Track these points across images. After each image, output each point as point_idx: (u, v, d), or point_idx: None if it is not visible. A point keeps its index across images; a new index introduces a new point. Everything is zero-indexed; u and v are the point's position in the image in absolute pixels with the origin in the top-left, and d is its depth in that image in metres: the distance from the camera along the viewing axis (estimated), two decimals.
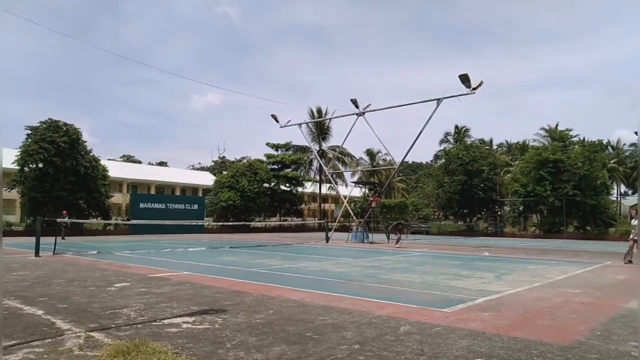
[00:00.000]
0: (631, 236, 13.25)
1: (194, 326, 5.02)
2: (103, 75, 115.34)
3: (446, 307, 6.31)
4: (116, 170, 47.75)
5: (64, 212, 26.54)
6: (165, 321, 5.24)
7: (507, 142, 67.35)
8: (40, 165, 29.31)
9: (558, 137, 40.81)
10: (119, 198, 48.33)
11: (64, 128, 30.42)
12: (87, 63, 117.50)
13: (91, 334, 4.63)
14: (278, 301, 6.60)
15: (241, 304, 6.39)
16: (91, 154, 32.34)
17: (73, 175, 29.83)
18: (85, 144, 31.97)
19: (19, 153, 29.49)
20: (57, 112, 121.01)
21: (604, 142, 55.98)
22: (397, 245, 20.10)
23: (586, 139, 44.97)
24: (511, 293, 7.69)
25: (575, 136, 43.59)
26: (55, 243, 14.75)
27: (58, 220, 22.88)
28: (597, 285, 8.96)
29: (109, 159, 58.80)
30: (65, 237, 24.21)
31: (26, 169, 29.54)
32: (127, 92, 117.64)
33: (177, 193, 60.22)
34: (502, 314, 5.92)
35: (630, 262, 12.72)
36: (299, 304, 6.44)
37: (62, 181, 29.29)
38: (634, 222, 13.42)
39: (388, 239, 25.37)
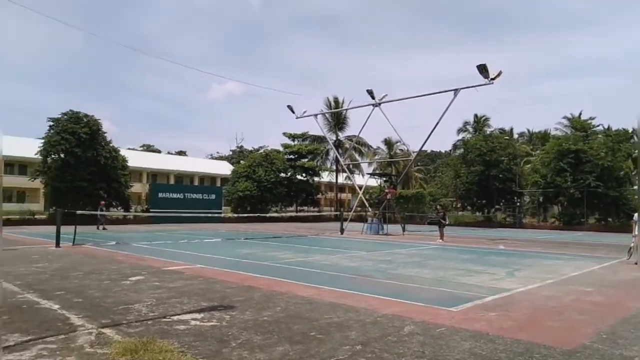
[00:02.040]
0: (637, 232, 12.10)
1: (202, 323, 5.15)
2: (123, 66, 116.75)
3: (453, 305, 6.32)
4: (136, 159, 48.59)
5: (102, 202, 27.41)
6: (175, 318, 5.38)
7: (528, 130, 66.12)
8: (62, 155, 30.03)
9: (580, 126, 39.89)
10: (139, 188, 49.20)
11: (85, 119, 31.06)
12: (107, 54, 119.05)
13: (102, 330, 4.80)
14: (287, 297, 6.70)
15: (250, 300, 6.50)
16: (111, 144, 32.97)
17: (93, 166, 30.49)
18: (105, 134, 32.63)
19: (42, 144, 30.25)
20: (79, 102, 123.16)
21: (629, 131, 54.54)
22: (443, 241, 19.09)
23: (611, 128, 43.89)
24: (521, 291, 7.64)
25: (597, 125, 42.57)
26: (75, 233, 15.14)
27: (99, 213, 23.96)
28: (611, 283, 8.83)
29: (128, 149, 59.84)
30: (106, 227, 24.71)
31: (49, 159, 30.30)
32: (147, 82, 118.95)
33: (196, 182, 60.98)
34: (509, 314, 5.91)
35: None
36: (307, 300, 6.52)
37: (83, 171, 29.97)
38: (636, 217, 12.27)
39: (403, 230, 25.32)
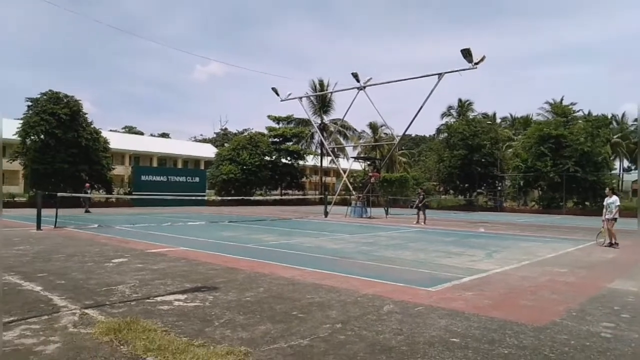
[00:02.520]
0: (607, 216, 12.39)
1: (185, 304, 5.23)
2: (105, 46, 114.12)
3: (432, 285, 6.50)
4: (118, 141, 47.87)
5: (87, 184, 27.31)
6: (158, 298, 5.45)
7: (511, 115, 66.86)
8: (42, 137, 29.42)
9: (561, 112, 40.46)
10: (121, 170, 48.62)
11: (65, 100, 30.38)
12: (89, 34, 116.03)
13: (86, 311, 4.84)
14: (270, 278, 6.81)
15: (233, 281, 6.59)
16: (92, 125, 32.37)
17: (74, 147, 29.95)
18: (87, 115, 32.00)
19: (20, 124, 29.58)
20: (59, 83, 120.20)
21: (609, 116, 55.46)
22: (425, 224, 19.58)
23: (592, 113, 44.65)
24: (498, 272, 7.88)
25: (578, 111, 43.26)
26: (56, 216, 14.99)
27: (82, 195, 24.02)
28: (584, 264, 9.14)
29: (110, 130, 58.90)
30: (89, 210, 24.54)
31: (28, 140, 29.68)
32: (129, 63, 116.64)
33: (179, 165, 60.46)
34: (485, 294, 6.11)
35: (611, 244, 12.12)
36: (289, 281, 6.64)
37: (64, 153, 29.44)
38: (609, 200, 12.54)
39: (387, 213, 25.60)
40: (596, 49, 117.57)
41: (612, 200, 12.51)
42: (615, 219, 12.32)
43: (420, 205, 20.78)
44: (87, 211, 24.35)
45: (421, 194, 21.79)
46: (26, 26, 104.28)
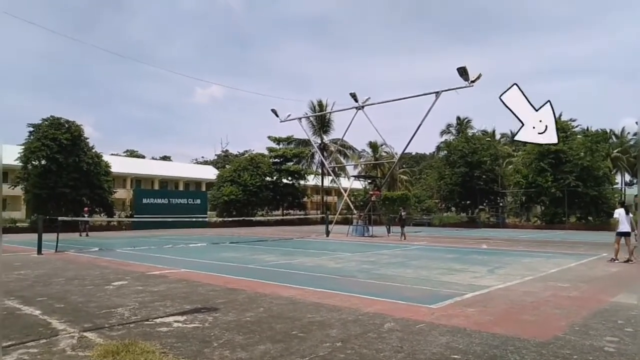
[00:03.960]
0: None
1: (184, 325, 5.19)
2: (106, 70, 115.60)
3: (434, 303, 6.45)
4: (119, 165, 48.11)
5: (85, 209, 27.45)
6: (157, 320, 5.41)
7: (511, 132, 66.99)
8: (43, 162, 29.60)
9: (560, 127, 40.57)
10: (123, 193, 48.69)
11: (66, 125, 30.67)
12: (90, 58, 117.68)
13: (84, 334, 4.81)
14: (270, 298, 6.76)
15: (234, 301, 6.55)
16: (93, 150, 32.60)
17: (76, 172, 30.10)
18: (88, 140, 32.25)
19: (21, 150, 29.79)
20: (61, 108, 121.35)
21: (608, 131, 55.58)
22: (404, 239, 20.28)
23: (590, 128, 44.84)
24: (500, 288, 7.82)
25: (577, 126, 43.43)
26: (57, 240, 14.98)
27: (80, 219, 24.19)
28: (587, 278, 9.07)
29: (112, 154, 59.20)
30: (89, 234, 24.67)
31: (29, 166, 29.85)
32: (130, 86, 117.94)
33: (181, 187, 60.52)
34: (486, 310, 6.05)
35: (613, 259, 11.77)
36: (290, 301, 6.60)
37: (65, 178, 29.58)
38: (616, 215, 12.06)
39: (388, 232, 25.51)
40: (594, 64, 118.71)
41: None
42: (618, 234, 11.99)
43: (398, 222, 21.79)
44: (86, 235, 24.44)
45: (403, 212, 22.75)
46: (27, 51, 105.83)
